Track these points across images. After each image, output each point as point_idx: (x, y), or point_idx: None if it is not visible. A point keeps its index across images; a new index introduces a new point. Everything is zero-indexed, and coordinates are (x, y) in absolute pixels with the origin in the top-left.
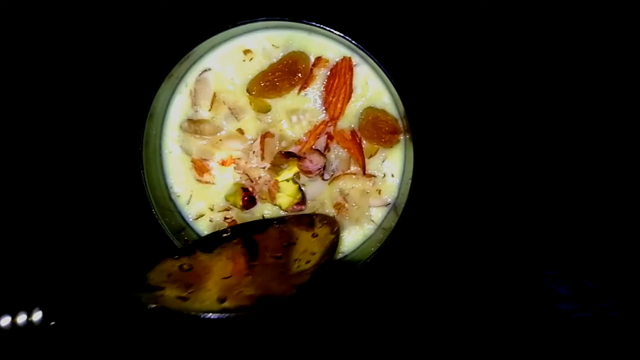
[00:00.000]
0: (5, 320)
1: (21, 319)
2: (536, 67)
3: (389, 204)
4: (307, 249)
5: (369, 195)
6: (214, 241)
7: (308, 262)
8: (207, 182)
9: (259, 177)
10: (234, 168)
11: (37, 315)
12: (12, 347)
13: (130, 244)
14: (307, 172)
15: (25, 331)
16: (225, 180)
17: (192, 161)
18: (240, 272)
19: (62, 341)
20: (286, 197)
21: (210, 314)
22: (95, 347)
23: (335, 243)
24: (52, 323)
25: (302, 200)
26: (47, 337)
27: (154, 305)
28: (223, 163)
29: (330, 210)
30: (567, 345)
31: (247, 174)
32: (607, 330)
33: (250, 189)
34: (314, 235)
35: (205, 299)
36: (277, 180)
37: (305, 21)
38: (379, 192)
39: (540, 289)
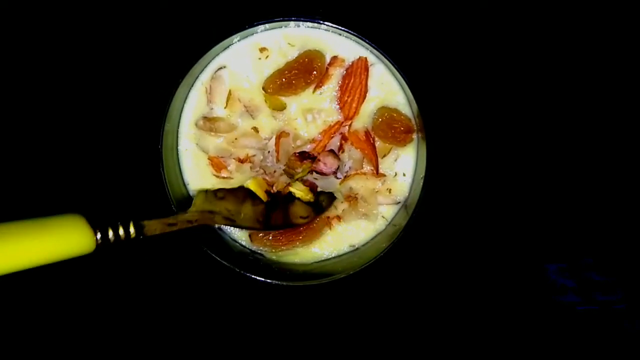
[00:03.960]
0: (110, 233)
1: (121, 231)
2: (546, 69)
3: (399, 202)
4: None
5: (379, 194)
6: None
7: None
8: (224, 178)
9: (274, 172)
10: (250, 168)
11: (132, 229)
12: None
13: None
14: (321, 174)
15: (122, 244)
16: (242, 175)
17: (209, 158)
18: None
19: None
20: (299, 192)
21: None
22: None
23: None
24: (141, 237)
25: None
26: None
27: (217, 225)
28: (240, 160)
29: (342, 203)
30: (571, 338)
31: (263, 169)
32: (613, 324)
33: (268, 183)
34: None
35: (247, 220)
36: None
37: (321, 21)
38: (389, 191)
39: (546, 282)
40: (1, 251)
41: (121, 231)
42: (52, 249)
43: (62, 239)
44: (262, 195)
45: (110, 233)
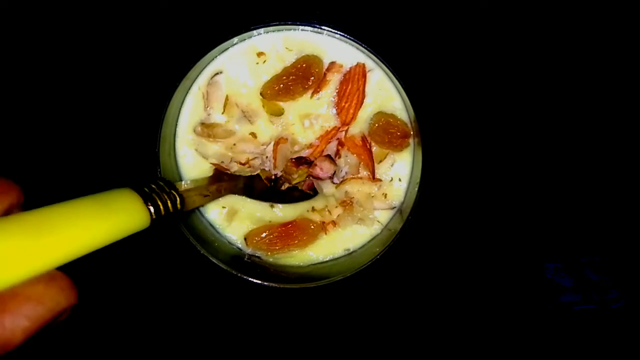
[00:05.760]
0: (161, 206)
1: (169, 204)
2: (541, 73)
3: (394, 207)
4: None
5: (375, 199)
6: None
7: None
8: None
9: (274, 175)
10: (250, 172)
11: (178, 201)
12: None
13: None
14: (318, 178)
15: (168, 219)
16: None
17: (211, 164)
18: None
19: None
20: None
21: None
22: None
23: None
24: (183, 210)
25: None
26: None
27: (240, 195)
28: (241, 164)
29: (337, 208)
30: (569, 338)
31: (262, 169)
32: (610, 323)
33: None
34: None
35: (257, 190)
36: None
37: (318, 26)
38: (385, 195)
39: (543, 282)
40: (67, 232)
41: (169, 204)
42: (114, 226)
43: (122, 215)
44: (267, 182)
45: (161, 206)
